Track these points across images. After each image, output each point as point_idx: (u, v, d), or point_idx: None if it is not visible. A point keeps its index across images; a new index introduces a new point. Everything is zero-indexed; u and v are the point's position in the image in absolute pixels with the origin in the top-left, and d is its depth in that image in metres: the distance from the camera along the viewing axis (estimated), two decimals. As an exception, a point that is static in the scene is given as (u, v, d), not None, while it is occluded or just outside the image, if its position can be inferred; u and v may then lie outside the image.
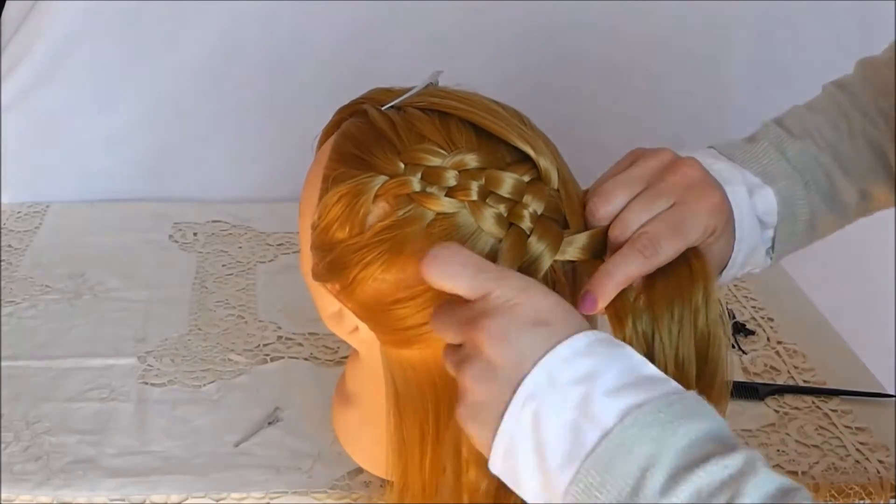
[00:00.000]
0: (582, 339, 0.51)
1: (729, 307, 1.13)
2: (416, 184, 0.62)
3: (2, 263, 1.18)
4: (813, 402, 0.98)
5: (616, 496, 0.46)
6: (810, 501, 0.47)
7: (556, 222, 0.63)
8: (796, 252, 1.29)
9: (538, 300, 0.53)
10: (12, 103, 1.31)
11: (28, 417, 0.92)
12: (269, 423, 0.92)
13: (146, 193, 1.36)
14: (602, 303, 0.60)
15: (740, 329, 1.09)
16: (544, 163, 0.63)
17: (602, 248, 0.64)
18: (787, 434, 0.94)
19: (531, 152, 0.63)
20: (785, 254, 0.74)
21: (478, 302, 0.53)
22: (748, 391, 0.99)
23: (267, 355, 1.03)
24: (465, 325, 0.53)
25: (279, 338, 1.06)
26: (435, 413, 0.65)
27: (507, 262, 0.60)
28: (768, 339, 1.09)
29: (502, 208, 0.61)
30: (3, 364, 0.98)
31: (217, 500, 0.83)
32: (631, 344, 0.58)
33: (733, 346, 1.07)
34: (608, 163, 1.50)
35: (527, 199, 0.62)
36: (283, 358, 1.03)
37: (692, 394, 0.51)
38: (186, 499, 0.83)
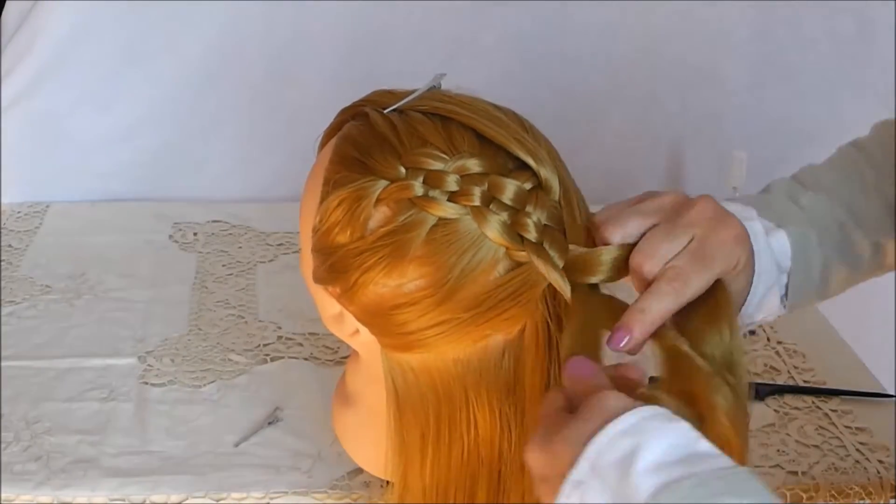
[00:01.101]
0: (629, 419, 0.50)
1: (729, 307, 1.13)
2: (418, 188, 0.61)
3: (2, 263, 1.18)
4: (813, 402, 0.98)
5: None
6: None
7: (560, 233, 0.63)
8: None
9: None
10: (12, 103, 1.31)
11: (28, 417, 0.92)
12: (269, 423, 0.92)
13: (146, 193, 1.37)
14: (639, 341, 0.59)
15: (740, 329, 1.09)
16: (545, 172, 0.63)
17: (622, 271, 0.63)
18: (788, 434, 0.94)
19: (531, 162, 0.63)
20: (798, 304, 0.73)
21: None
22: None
23: (267, 355, 1.03)
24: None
25: (279, 338, 1.06)
26: (436, 416, 0.66)
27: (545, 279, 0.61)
28: (768, 339, 1.09)
29: (505, 216, 0.61)
30: (3, 364, 0.99)
31: (217, 500, 0.83)
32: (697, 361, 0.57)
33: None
34: (608, 164, 1.51)
35: (529, 208, 0.62)
36: (283, 358, 1.03)
37: (743, 470, 0.48)
38: (186, 499, 0.83)
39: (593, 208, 0.67)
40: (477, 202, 0.61)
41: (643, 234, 0.62)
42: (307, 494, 0.84)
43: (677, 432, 0.49)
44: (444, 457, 0.66)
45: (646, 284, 0.61)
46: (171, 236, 1.27)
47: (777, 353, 1.06)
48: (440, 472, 0.66)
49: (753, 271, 0.66)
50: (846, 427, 0.95)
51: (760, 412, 0.97)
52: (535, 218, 0.61)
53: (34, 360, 1.00)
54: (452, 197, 0.61)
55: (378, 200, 0.62)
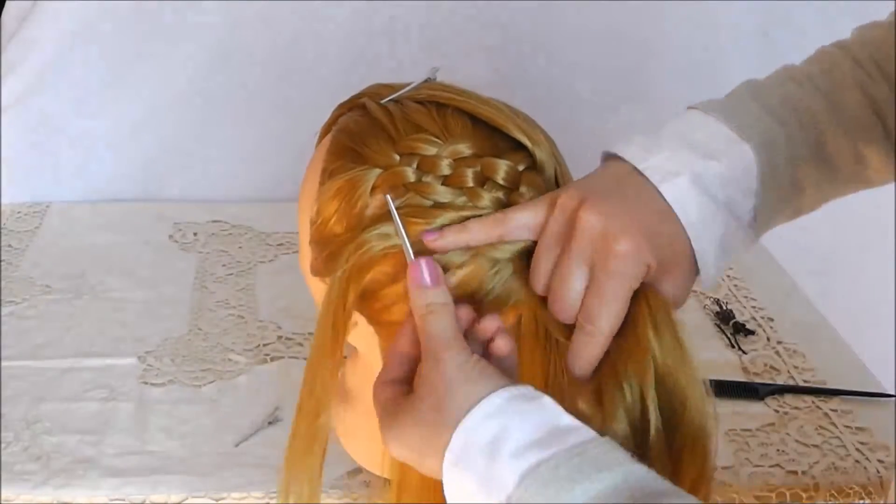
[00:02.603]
0: (494, 400, 0.52)
1: (729, 307, 1.13)
2: (411, 174, 0.62)
3: (2, 263, 1.18)
4: (813, 402, 0.98)
5: None
6: None
7: None
8: (796, 252, 1.30)
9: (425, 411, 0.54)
10: (12, 103, 1.31)
11: (28, 417, 0.92)
12: (269, 423, 0.92)
13: (146, 193, 1.37)
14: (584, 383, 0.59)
15: (740, 329, 1.09)
16: (540, 152, 0.63)
17: None
18: (787, 434, 0.94)
19: (526, 142, 0.63)
20: (769, 225, 0.66)
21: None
22: (748, 391, 0.99)
23: (267, 355, 1.03)
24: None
25: (279, 338, 1.06)
26: None
27: None
28: (768, 338, 1.09)
29: (500, 195, 0.61)
30: (3, 364, 0.99)
31: (217, 500, 0.83)
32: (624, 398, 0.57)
33: (733, 346, 1.07)
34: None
35: (523, 188, 0.62)
36: (283, 358, 1.03)
37: (602, 442, 0.50)
38: (186, 499, 0.83)
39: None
40: (470, 183, 0.61)
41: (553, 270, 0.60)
42: (307, 494, 0.84)
43: (538, 410, 0.52)
44: None
45: (572, 321, 0.59)
46: (171, 236, 1.27)
47: (777, 353, 1.06)
48: None
49: (687, 237, 0.60)
50: (846, 427, 0.95)
51: (760, 412, 0.97)
52: (528, 198, 0.61)
53: (34, 360, 1.00)
54: (446, 181, 0.61)
55: (373, 188, 0.62)
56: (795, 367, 1.04)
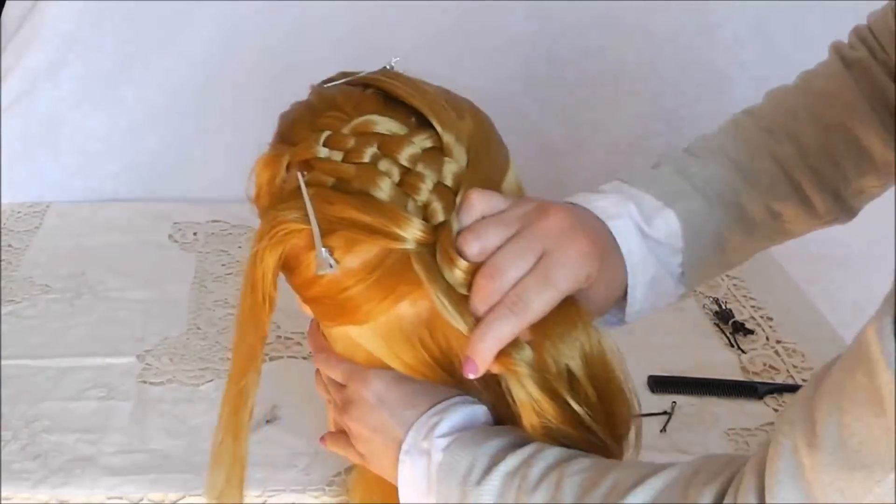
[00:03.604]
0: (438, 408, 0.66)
1: (728, 306, 1.13)
2: (320, 150, 0.62)
3: (2, 263, 1.18)
4: (812, 402, 0.98)
5: (455, 498, 0.62)
6: (586, 464, 0.58)
7: (453, 196, 0.61)
8: (795, 252, 1.29)
9: (397, 389, 0.67)
10: (12, 103, 1.31)
11: (27, 416, 0.92)
12: (268, 422, 0.92)
13: (146, 193, 1.37)
14: (482, 367, 0.59)
15: (739, 328, 1.09)
16: (448, 135, 0.61)
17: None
18: (786, 433, 0.94)
19: (435, 123, 0.62)
20: (699, 279, 0.72)
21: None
22: (747, 390, 0.99)
23: (266, 355, 1.02)
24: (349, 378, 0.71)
25: (278, 337, 1.06)
26: None
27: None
28: (767, 338, 1.09)
29: (396, 174, 0.61)
30: (3, 363, 0.99)
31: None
32: (528, 393, 0.61)
33: (732, 346, 1.07)
34: (608, 164, 1.51)
35: (420, 166, 0.61)
36: (281, 357, 1.03)
37: (500, 428, 0.65)
38: (184, 497, 0.84)
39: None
40: (366, 159, 0.61)
41: (499, 247, 0.60)
42: (304, 492, 0.84)
43: (471, 414, 0.65)
44: None
45: (491, 305, 0.59)
46: (171, 236, 1.27)
47: (776, 352, 1.06)
48: None
49: (625, 272, 0.65)
50: (845, 426, 0.95)
51: (759, 411, 0.97)
52: (427, 181, 0.60)
53: (34, 359, 1.00)
54: (346, 157, 0.61)
55: (288, 165, 0.64)
56: (794, 367, 1.04)
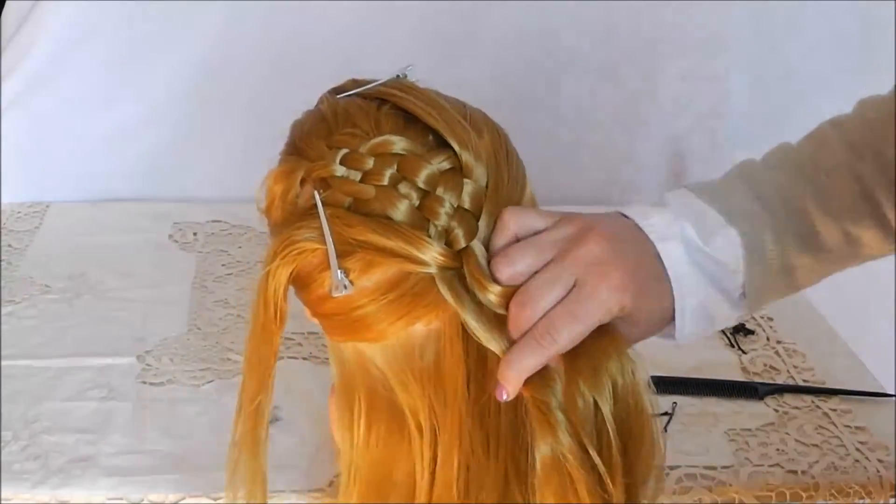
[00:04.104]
0: None
1: (728, 307, 1.13)
2: (337, 168, 0.61)
3: (2, 263, 1.18)
4: (812, 402, 0.98)
5: None
6: None
7: (475, 219, 0.61)
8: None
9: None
10: (12, 103, 1.31)
11: (27, 416, 0.92)
12: (269, 422, 0.92)
13: (146, 193, 1.37)
14: (511, 393, 0.59)
15: (740, 329, 1.09)
16: (467, 155, 0.61)
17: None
18: (787, 433, 0.94)
19: (454, 142, 0.61)
20: (761, 302, 0.68)
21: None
22: (748, 391, 0.99)
23: (266, 355, 1.02)
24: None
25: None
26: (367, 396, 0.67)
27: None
28: (768, 338, 1.09)
29: (415, 197, 0.60)
30: (3, 363, 0.99)
31: (215, 500, 0.83)
32: (552, 417, 0.58)
33: (732, 346, 1.07)
34: (607, 164, 1.51)
35: (440, 190, 0.60)
36: (282, 358, 1.02)
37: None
38: (184, 498, 0.83)
39: (593, 209, 0.67)
40: (385, 182, 0.60)
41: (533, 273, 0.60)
42: (305, 493, 0.84)
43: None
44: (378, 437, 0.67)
45: (522, 332, 0.59)
46: (171, 236, 1.27)
47: (777, 352, 1.06)
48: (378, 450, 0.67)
49: (672, 297, 0.63)
50: (846, 426, 0.95)
51: (760, 411, 0.97)
52: (447, 204, 0.60)
53: (33, 359, 1.00)
54: (364, 177, 0.60)
55: (302, 180, 0.62)
56: (795, 367, 1.04)
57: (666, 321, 0.65)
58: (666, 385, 0.98)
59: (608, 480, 0.58)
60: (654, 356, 1.05)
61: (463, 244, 0.60)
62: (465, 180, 0.60)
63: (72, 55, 1.30)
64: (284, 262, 0.61)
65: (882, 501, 0.88)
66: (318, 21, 1.33)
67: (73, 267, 1.18)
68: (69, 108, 1.32)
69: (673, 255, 0.63)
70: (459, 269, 0.59)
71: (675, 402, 0.96)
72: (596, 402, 0.58)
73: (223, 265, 1.20)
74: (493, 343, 0.59)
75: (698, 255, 0.64)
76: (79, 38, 1.29)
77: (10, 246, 1.23)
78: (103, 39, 1.30)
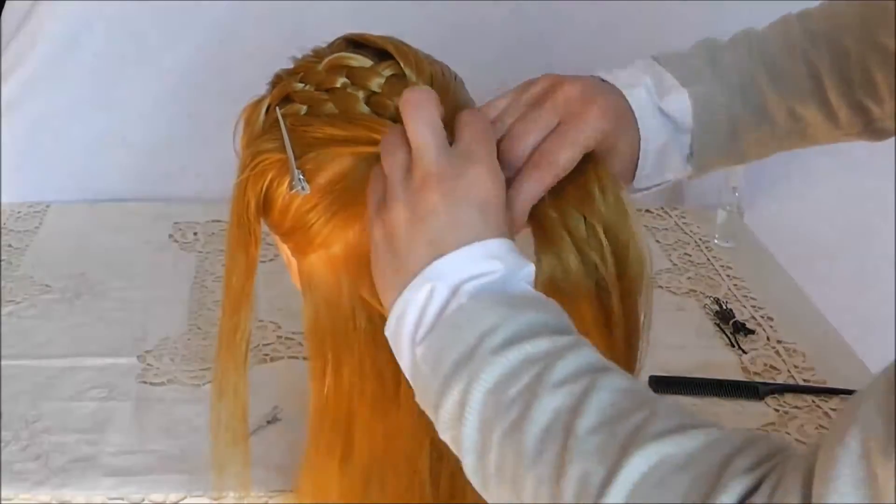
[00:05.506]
0: (495, 245, 0.55)
1: (729, 306, 1.13)
2: (296, 85, 0.66)
3: (2, 263, 1.18)
4: (813, 402, 0.98)
5: (457, 353, 0.53)
6: (622, 385, 0.50)
7: None
8: (796, 252, 1.29)
9: (487, 185, 0.56)
10: (12, 103, 1.31)
11: (27, 416, 0.92)
12: (269, 422, 0.92)
13: (146, 193, 1.37)
14: (519, 225, 0.62)
15: (740, 328, 1.09)
16: (408, 67, 0.65)
17: None
18: (788, 433, 0.94)
19: (397, 55, 0.66)
20: (710, 164, 0.74)
21: (432, 153, 0.56)
22: (748, 390, 0.99)
23: (266, 355, 1.03)
24: (417, 161, 0.57)
25: (279, 338, 1.06)
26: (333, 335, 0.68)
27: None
28: (768, 338, 1.09)
29: (363, 97, 0.64)
30: (3, 363, 0.99)
31: (216, 500, 0.83)
32: (556, 234, 0.62)
33: (733, 346, 1.07)
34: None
35: (387, 91, 0.64)
36: (282, 358, 1.03)
37: (550, 301, 0.56)
38: (185, 498, 0.83)
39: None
40: (337, 85, 0.65)
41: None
42: (306, 493, 0.84)
43: (520, 268, 0.56)
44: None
45: (515, 169, 0.63)
46: (170, 236, 1.27)
47: (777, 352, 1.06)
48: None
49: (638, 139, 0.69)
50: (846, 426, 0.95)
51: (760, 411, 0.97)
52: (395, 101, 0.63)
53: (34, 359, 1.00)
54: (318, 86, 0.66)
55: (268, 106, 0.68)
56: (795, 367, 1.04)
57: (633, 164, 0.70)
58: (666, 385, 0.98)
59: (611, 293, 0.62)
60: (654, 356, 1.05)
61: None
62: (410, 83, 0.65)
63: (71, 55, 1.30)
64: (253, 175, 0.66)
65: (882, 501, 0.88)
66: (319, 21, 1.33)
67: (73, 267, 1.18)
68: (69, 108, 1.32)
69: (638, 100, 0.69)
70: None
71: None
72: (587, 220, 0.63)
73: (223, 265, 1.19)
74: None
75: (657, 100, 0.70)
76: (78, 38, 1.29)
77: (10, 246, 1.23)
78: (103, 39, 1.30)
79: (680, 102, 0.71)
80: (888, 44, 0.72)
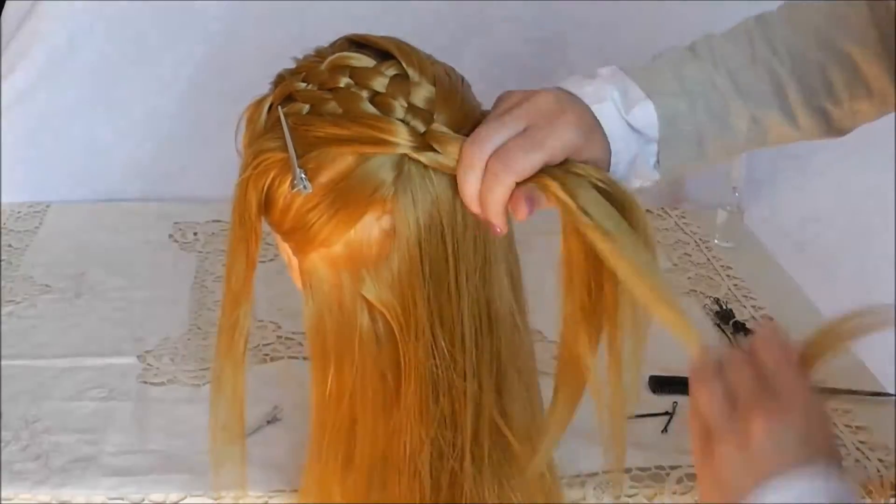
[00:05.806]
0: (820, 481, 0.55)
1: (728, 306, 1.13)
2: (299, 85, 0.66)
3: (2, 263, 1.18)
4: (813, 402, 0.98)
5: None
6: None
7: (428, 113, 0.65)
8: (796, 252, 1.29)
9: (814, 415, 0.57)
10: (12, 103, 1.31)
11: (27, 416, 0.92)
12: (269, 422, 0.92)
13: (146, 193, 1.37)
14: (502, 224, 0.64)
15: (740, 328, 1.09)
16: (410, 67, 0.65)
17: None
18: (787, 433, 0.93)
19: (399, 56, 0.66)
20: (676, 170, 0.76)
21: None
22: (748, 390, 0.99)
23: (266, 355, 1.03)
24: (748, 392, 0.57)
25: (278, 338, 1.06)
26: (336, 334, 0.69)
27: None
28: (768, 338, 1.08)
29: (367, 96, 0.64)
30: (3, 363, 0.99)
31: (216, 499, 0.83)
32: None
33: (733, 346, 1.07)
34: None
35: (390, 90, 0.64)
36: (282, 358, 1.03)
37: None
38: (185, 497, 0.83)
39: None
40: (340, 85, 0.65)
41: None
42: (306, 493, 0.84)
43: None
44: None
45: (480, 169, 0.63)
46: (170, 236, 1.27)
47: (777, 352, 1.06)
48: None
49: (609, 152, 0.69)
50: (846, 426, 0.95)
51: (760, 411, 0.96)
52: (400, 99, 0.64)
53: (34, 359, 1.00)
54: (321, 86, 0.66)
55: (271, 105, 0.68)
56: (795, 367, 1.04)
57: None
58: (666, 385, 0.98)
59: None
60: (654, 356, 1.05)
61: (422, 129, 0.64)
62: (413, 84, 0.65)
63: (71, 55, 1.30)
64: (255, 174, 0.66)
65: (882, 501, 0.88)
66: (319, 21, 1.33)
67: (73, 267, 1.18)
68: (69, 108, 1.32)
69: (606, 115, 0.69)
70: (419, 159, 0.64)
71: (675, 402, 0.96)
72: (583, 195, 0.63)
73: (223, 265, 1.19)
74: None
75: (626, 114, 0.71)
76: (79, 38, 1.29)
77: (10, 246, 1.23)
78: (103, 40, 1.30)
79: (647, 115, 0.72)
80: (848, 49, 0.75)
